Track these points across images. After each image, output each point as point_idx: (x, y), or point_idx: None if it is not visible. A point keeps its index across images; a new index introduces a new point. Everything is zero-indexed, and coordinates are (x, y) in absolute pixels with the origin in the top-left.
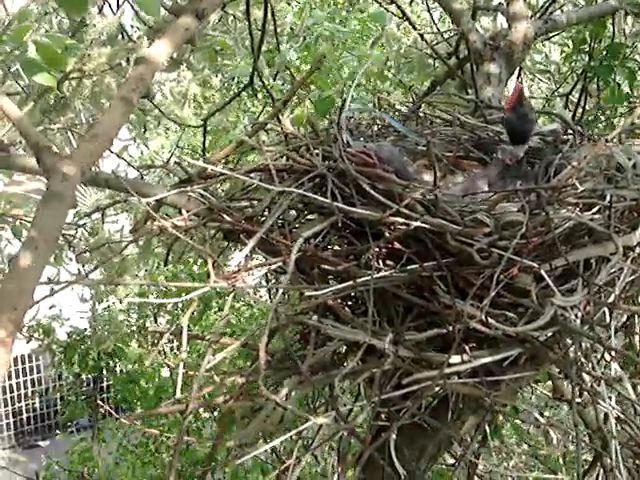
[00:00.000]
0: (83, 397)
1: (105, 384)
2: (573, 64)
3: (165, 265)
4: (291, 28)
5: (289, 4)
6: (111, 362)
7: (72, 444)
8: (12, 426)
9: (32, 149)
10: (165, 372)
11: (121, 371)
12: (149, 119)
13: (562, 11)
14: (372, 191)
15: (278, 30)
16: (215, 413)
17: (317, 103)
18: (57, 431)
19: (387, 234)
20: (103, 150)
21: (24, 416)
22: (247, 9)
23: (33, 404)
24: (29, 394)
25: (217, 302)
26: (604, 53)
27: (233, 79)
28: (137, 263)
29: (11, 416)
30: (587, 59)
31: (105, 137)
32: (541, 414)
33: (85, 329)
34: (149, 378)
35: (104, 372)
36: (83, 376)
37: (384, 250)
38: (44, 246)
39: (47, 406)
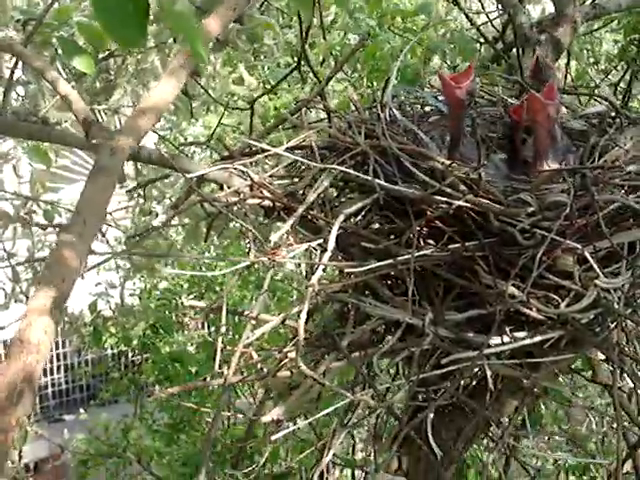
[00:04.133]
0: (126, 374)
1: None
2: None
3: (205, 241)
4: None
5: None
6: (155, 340)
7: (96, 419)
8: (37, 400)
9: (81, 124)
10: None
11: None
12: (196, 104)
13: None
14: (414, 169)
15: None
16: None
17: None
18: (81, 406)
19: (429, 213)
20: (150, 126)
21: (49, 390)
22: None
23: (58, 378)
24: (54, 369)
25: (256, 278)
26: None
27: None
28: (185, 245)
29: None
30: (637, 48)
31: (153, 113)
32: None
33: (132, 305)
34: (190, 358)
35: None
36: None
37: (425, 229)
38: (92, 220)
39: (72, 380)
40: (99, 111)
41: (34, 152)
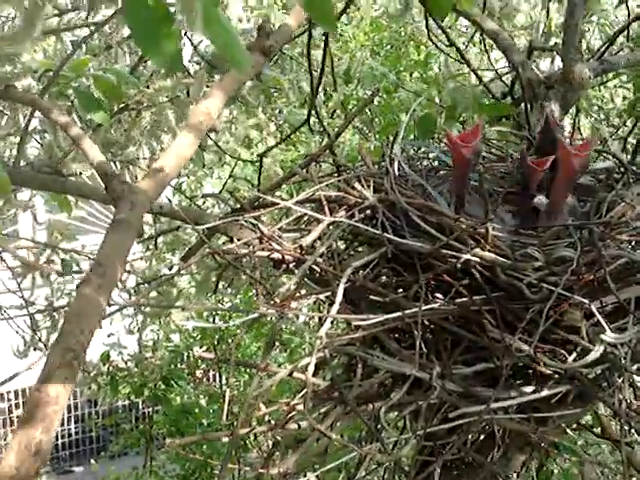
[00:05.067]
0: (137, 426)
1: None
2: (634, 110)
3: (214, 293)
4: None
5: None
6: (167, 393)
7: (108, 471)
8: None
9: (101, 177)
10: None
11: (171, 402)
12: (211, 156)
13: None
14: (422, 223)
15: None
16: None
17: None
18: (91, 458)
19: (437, 267)
20: (169, 181)
21: (59, 442)
22: (308, 48)
23: (69, 430)
24: (64, 420)
25: (267, 330)
26: None
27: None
28: (196, 296)
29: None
30: None
31: (172, 168)
32: (585, 452)
33: (145, 356)
34: (201, 410)
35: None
36: (119, 403)
37: (433, 282)
38: (111, 272)
39: (82, 432)
40: (113, 162)
41: (56, 200)
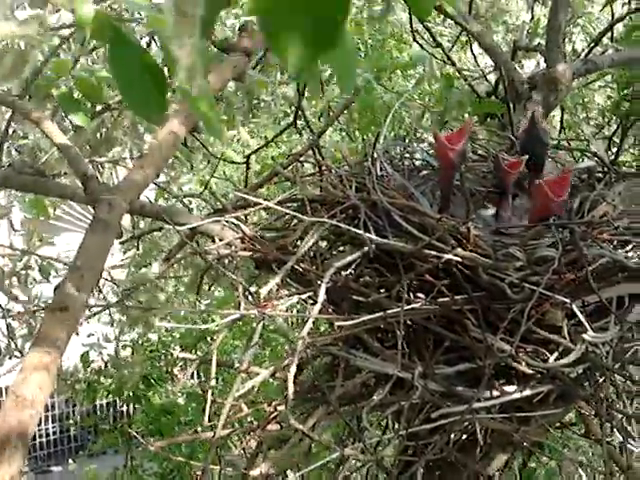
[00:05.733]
0: (117, 426)
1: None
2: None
3: (197, 293)
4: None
5: None
6: (147, 392)
7: (85, 471)
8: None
9: (79, 178)
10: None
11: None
12: (197, 156)
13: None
14: (404, 223)
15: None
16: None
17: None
18: (70, 457)
19: (418, 266)
20: (149, 182)
21: (37, 441)
22: None
23: (46, 429)
24: (42, 419)
25: (248, 329)
26: None
27: (275, 120)
28: (186, 296)
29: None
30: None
31: (152, 169)
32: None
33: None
34: (179, 409)
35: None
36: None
37: (415, 282)
38: (89, 274)
39: (60, 431)
40: (99, 164)
41: (33, 204)
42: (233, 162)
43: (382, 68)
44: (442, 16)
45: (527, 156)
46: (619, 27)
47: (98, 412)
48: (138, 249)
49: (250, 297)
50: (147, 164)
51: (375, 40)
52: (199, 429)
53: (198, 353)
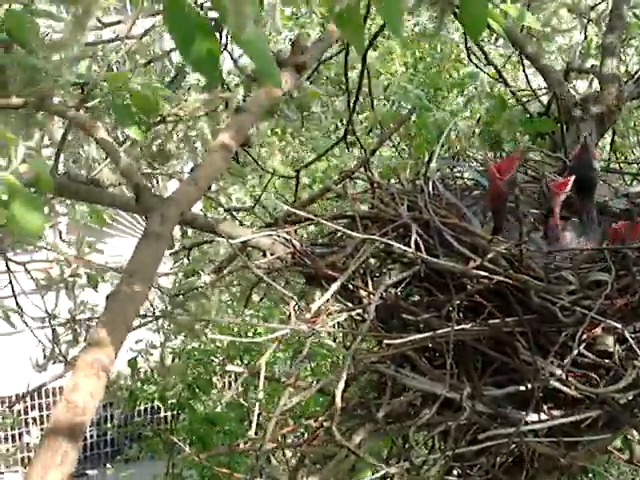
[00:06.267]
0: (158, 433)
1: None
2: None
3: (245, 306)
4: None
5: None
6: (192, 400)
7: (122, 476)
8: None
9: (133, 189)
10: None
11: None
12: (248, 170)
13: None
14: (455, 243)
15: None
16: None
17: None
18: (106, 462)
19: (469, 287)
20: (201, 194)
21: None
22: (345, 65)
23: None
24: None
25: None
26: None
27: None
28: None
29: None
30: None
31: (204, 182)
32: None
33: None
34: (221, 418)
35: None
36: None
37: (465, 303)
38: (140, 284)
39: (97, 435)
40: (154, 175)
41: (90, 213)
42: (283, 176)
43: (438, 87)
44: (496, 36)
45: (574, 176)
46: None
47: (137, 417)
48: (189, 259)
49: (300, 312)
50: (199, 177)
51: (433, 59)
52: (240, 441)
53: (243, 365)
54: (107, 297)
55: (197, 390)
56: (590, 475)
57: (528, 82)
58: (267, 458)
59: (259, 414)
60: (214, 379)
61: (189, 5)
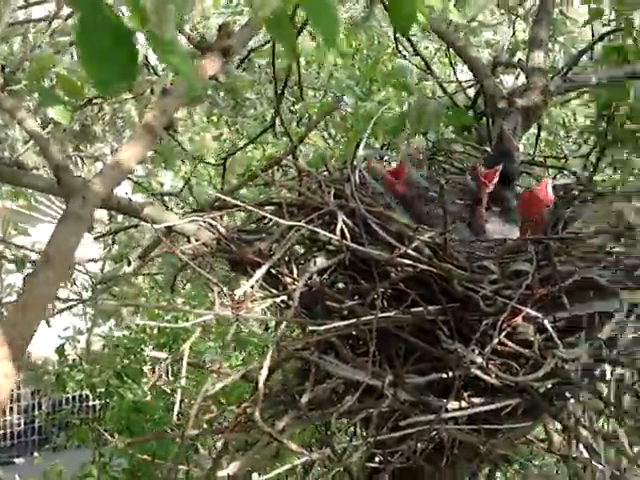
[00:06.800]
0: (88, 421)
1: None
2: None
3: (171, 292)
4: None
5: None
6: (120, 389)
7: (50, 465)
8: None
9: (53, 170)
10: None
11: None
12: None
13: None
14: (381, 231)
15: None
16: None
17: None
18: (33, 450)
19: (393, 275)
20: (123, 177)
21: (0, 432)
22: (272, 56)
23: (11, 420)
24: (6, 410)
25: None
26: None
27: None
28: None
29: None
30: (607, 123)
31: (126, 164)
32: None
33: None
34: (149, 407)
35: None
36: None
37: (389, 291)
38: (60, 266)
39: (25, 423)
40: (80, 158)
41: (13, 195)
42: (209, 163)
43: (374, 78)
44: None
45: (501, 167)
46: (599, 47)
47: (65, 405)
48: (113, 244)
49: (224, 298)
50: (122, 160)
51: (369, 50)
52: (168, 428)
53: (170, 353)
54: (24, 279)
55: (126, 378)
56: (516, 466)
57: (455, 74)
58: (195, 446)
59: (181, 401)
60: (145, 368)
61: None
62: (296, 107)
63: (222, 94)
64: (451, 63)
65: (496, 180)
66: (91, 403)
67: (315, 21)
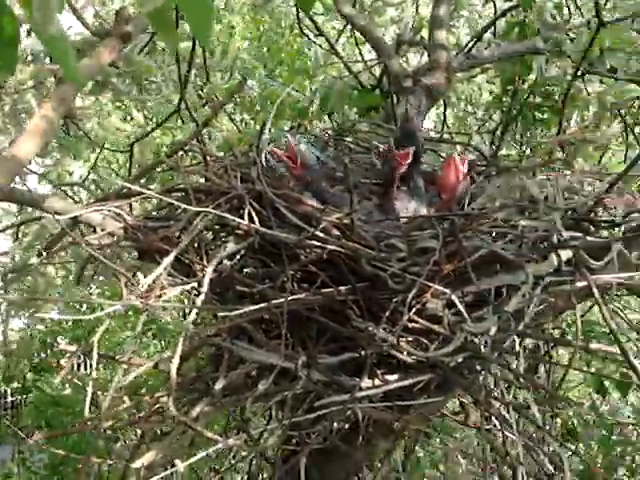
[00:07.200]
0: (4, 417)
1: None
2: (501, 103)
3: (77, 283)
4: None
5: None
6: (38, 382)
7: None
8: None
9: None
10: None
11: (43, 392)
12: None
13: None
14: (289, 214)
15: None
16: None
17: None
18: None
19: (302, 257)
20: (21, 168)
21: None
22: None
23: None
24: None
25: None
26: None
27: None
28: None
29: None
30: (511, 98)
31: (24, 155)
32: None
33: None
34: (67, 400)
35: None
36: None
37: (299, 273)
38: None
39: None
40: None
41: None
42: (115, 150)
43: (281, 60)
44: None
45: (414, 147)
46: (501, 22)
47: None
48: (17, 238)
49: (133, 288)
50: (18, 150)
51: (275, 33)
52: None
53: (81, 345)
54: None
55: (42, 372)
56: (434, 439)
57: (361, 54)
58: (117, 438)
59: (95, 393)
60: (62, 361)
61: None
62: (204, 91)
63: (127, 80)
64: (356, 43)
65: (410, 160)
66: (9, 399)
67: (188, 16)
